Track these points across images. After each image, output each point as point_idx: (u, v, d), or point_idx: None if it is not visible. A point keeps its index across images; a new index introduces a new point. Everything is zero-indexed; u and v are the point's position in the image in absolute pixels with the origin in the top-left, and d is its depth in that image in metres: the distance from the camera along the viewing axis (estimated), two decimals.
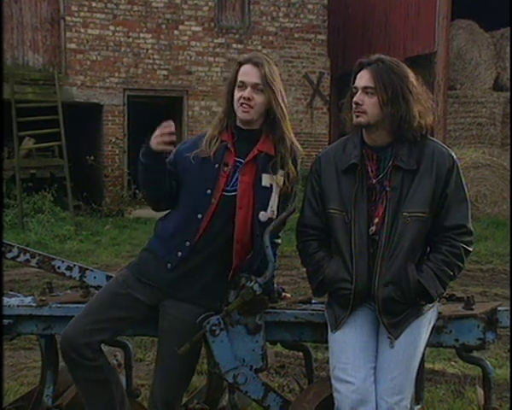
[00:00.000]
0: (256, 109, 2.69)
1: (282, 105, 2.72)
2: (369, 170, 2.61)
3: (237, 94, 2.69)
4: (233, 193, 2.68)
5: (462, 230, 2.58)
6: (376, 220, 2.57)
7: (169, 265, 2.69)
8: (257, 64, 2.68)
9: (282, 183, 2.73)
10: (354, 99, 2.54)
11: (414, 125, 2.54)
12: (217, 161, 2.69)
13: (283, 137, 2.73)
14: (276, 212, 2.74)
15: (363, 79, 2.54)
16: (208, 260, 2.69)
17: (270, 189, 2.72)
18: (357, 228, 2.57)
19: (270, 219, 2.72)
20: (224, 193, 2.68)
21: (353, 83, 2.60)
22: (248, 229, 2.69)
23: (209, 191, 2.66)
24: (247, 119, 2.70)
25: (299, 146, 2.80)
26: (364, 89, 2.53)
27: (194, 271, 2.69)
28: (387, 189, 2.56)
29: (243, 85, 2.68)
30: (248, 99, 2.66)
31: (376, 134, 2.60)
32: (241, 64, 2.73)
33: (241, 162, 2.71)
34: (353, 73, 2.61)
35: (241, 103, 2.67)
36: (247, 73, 2.69)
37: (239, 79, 2.70)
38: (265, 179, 2.71)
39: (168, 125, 2.58)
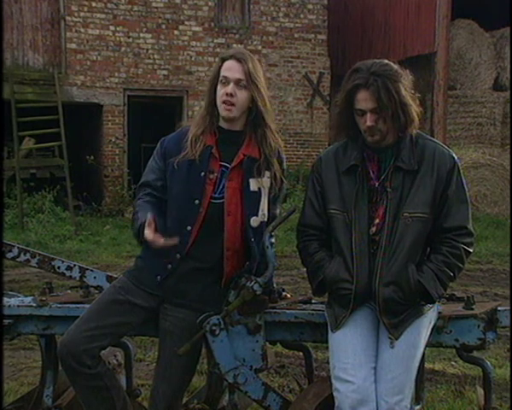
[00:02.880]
0: (239, 106, 2.65)
1: (267, 101, 2.69)
2: (371, 171, 2.61)
3: (220, 90, 2.66)
4: (221, 200, 2.65)
5: (463, 231, 2.58)
6: (377, 221, 2.57)
7: (159, 277, 2.68)
8: (240, 60, 2.64)
9: (269, 184, 2.72)
10: (368, 124, 2.52)
11: (414, 126, 2.56)
12: (202, 168, 2.64)
13: (265, 135, 2.70)
14: (267, 215, 2.72)
15: (367, 101, 2.50)
16: (201, 269, 2.67)
17: (258, 193, 2.69)
18: (357, 228, 2.57)
19: (261, 223, 2.71)
20: (212, 200, 2.65)
21: (347, 98, 2.55)
22: (239, 235, 2.67)
23: (197, 201, 2.63)
24: (229, 116, 2.66)
25: (280, 142, 2.76)
26: (373, 110, 2.51)
27: (188, 280, 2.67)
28: (388, 189, 2.56)
29: (226, 81, 2.65)
30: (231, 95, 2.62)
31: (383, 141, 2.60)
32: (223, 60, 2.69)
33: (226, 167, 2.67)
34: (348, 89, 2.54)
35: (224, 101, 2.64)
36: (230, 69, 2.65)
37: (222, 74, 2.66)
38: (253, 184, 2.68)
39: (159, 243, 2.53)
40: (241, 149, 2.69)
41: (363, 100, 2.51)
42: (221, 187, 2.66)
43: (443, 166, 2.57)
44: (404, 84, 2.53)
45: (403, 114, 2.51)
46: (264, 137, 2.70)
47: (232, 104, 2.64)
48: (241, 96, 2.64)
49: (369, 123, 2.52)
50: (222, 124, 2.72)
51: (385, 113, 2.50)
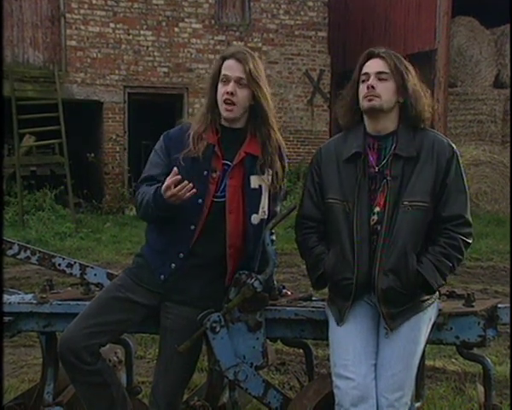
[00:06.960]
0: (239, 106, 2.65)
1: (269, 99, 2.69)
2: (370, 158, 2.61)
3: (221, 89, 2.66)
4: (223, 199, 2.65)
5: (461, 220, 2.57)
6: (377, 209, 2.56)
7: (162, 276, 2.68)
8: (240, 59, 2.64)
9: (270, 182, 2.71)
10: (369, 83, 2.54)
11: (423, 116, 2.59)
12: (205, 167, 2.64)
13: (269, 134, 2.71)
14: (267, 212, 2.73)
15: (375, 65, 2.55)
16: (203, 267, 2.67)
17: (259, 190, 2.70)
18: (358, 217, 2.56)
19: (261, 221, 2.71)
20: (215, 199, 2.65)
21: (359, 72, 2.60)
22: (240, 233, 2.67)
23: (200, 201, 2.62)
24: (230, 117, 2.66)
25: (283, 143, 2.78)
26: (378, 74, 2.54)
27: (189, 278, 2.68)
28: (388, 178, 2.56)
29: (226, 80, 2.65)
30: (232, 94, 2.62)
31: (382, 122, 2.60)
32: (224, 59, 2.69)
33: (228, 165, 2.68)
34: (359, 64, 2.61)
35: (225, 100, 2.64)
36: (231, 68, 2.65)
37: (222, 73, 2.66)
38: (254, 181, 2.68)
39: (176, 181, 2.48)
40: (242, 147, 2.69)
41: (371, 65, 2.57)
42: (223, 186, 2.67)
43: (442, 155, 2.57)
44: (416, 78, 2.59)
45: (414, 95, 2.54)
46: (268, 136, 2.70)
47: (233, 103, 2.64)
48: (242, 94, 2.64)
49: (369, 82, 2.54)
50: (223, 122, 2.71)
51: (394, 80, 2.53)
